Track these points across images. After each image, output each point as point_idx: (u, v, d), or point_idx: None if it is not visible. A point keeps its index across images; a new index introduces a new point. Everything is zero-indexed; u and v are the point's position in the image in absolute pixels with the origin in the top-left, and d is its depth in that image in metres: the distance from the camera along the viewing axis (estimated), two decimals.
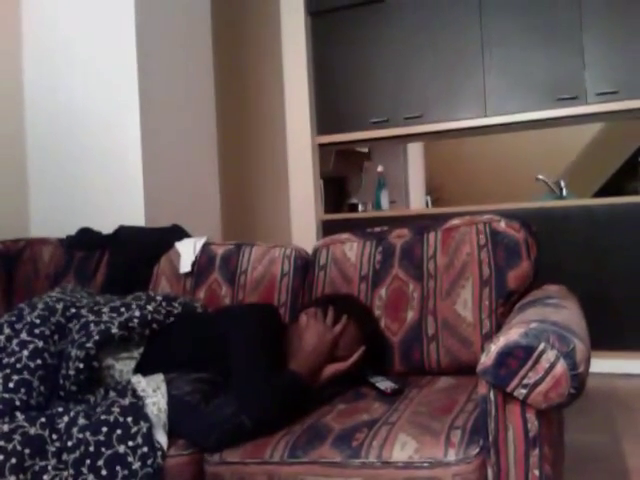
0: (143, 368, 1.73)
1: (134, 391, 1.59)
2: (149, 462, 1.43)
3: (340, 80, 4.35)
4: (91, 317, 1.75)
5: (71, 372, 1.64)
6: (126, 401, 1.54)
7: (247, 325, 1.72)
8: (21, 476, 1.41)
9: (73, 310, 1.80)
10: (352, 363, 1.75)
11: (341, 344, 1.75)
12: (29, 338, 1.66)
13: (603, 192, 4.57)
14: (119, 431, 1.46)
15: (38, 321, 1.71)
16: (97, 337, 1.68)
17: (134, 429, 1.47)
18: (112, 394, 1.60)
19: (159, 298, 1.89)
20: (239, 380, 1.60)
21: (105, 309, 1.78)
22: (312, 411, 1.60)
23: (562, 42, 3.81)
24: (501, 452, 1.32)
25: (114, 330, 1.71)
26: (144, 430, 1.47)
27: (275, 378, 1.59)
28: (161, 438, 1.50)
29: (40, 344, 1.67)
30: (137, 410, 1.52)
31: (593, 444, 2.46)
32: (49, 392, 1.64)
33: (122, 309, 1.78)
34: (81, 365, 1.64)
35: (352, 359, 1.75)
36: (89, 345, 1.67)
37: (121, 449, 1.44)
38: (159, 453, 1.46)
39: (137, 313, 1.78)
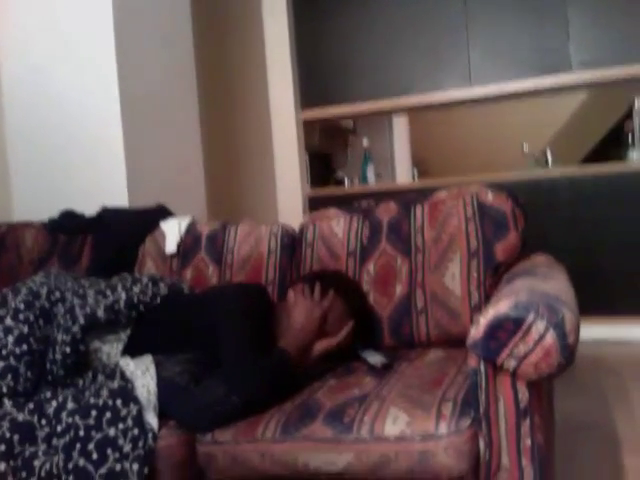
0: (131, 350, 1.71)
1: (123, 374, 1.58)
2: (140, 444, 1.43)
3: (323, 54, 4.30)
4: (76, 301, 1.73)
5: (58, 356, 1.63)
6: (115, 384, 1.53)
7: (235, 306, 1.70)
8: (11, 463, 1.40)
9: (57, 294, 1.77)
10: (342, 338, 1.74)
11: (329, 319, 1.75)
12: (14, 324, 1.64)
13: (589, 161, 4.58)
14: (109, 414, 1.45)
15: (22, 306, 1.69)
16: (83, 321, 1.67)
17: (124, 412, 1.46)
18: (100, 377, 1.59)
19: (145, 279, 1.87)
20: (228, 361, 1.59)
21: (90, 292, 1.76)
22: (303, 388, 1.60)
23: (546, 12, 3.78)
24: (492, 423, 1.33)
25: (100, 313, 1.70)
26: (134, 412, 1.47)
27: (264, 357, 1.58)
28: (152, 420, 1.49)
29: (25, 329, 1.65)
30: (126, 392, 1.51)
31: (583, 412, 2.48)
32: (36, 378, 1.62)
33: (107, 292, 1.76)
34: (68, 349, 1.63)
35: (342, 334, 1.75)
36: (75, 329, 1.65)
37: (111, 432, 1.43)
38: (150, 435, 1.46)
39: (123, 295, 1.76)
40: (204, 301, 1.84)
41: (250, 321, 1.66)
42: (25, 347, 1.62)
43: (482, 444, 1.33)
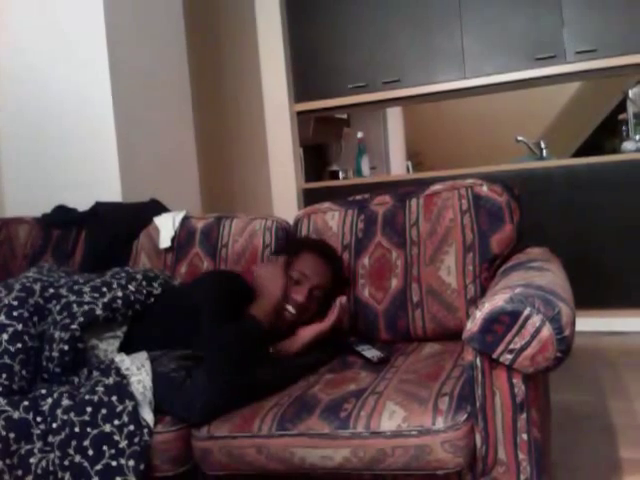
0: (127, 347, 1.70)
1: (118, 370, 1.57)
2: (136, 440, 1.42)
3: (316, 46, 4.27)
4: (72, 297, 1.71)
5: (55, 354, 1.61)
6: (110, 380, 1.52)
7: (203, 295, 1.72)
8: (7, 461, 1.39)
9: (51, 290, 1.76)
10: (333, 321, 1.76)
11: (296, 272, 1.78)
12: (8, 321, 1.63)
13: (583, 151, 4.57)
14: (104, 410, 1.45)
15: (16, 303, 1.67)
16: (81, 318, 1.65)
17: (119, 408, 1.46)
18: (96, 374, 1.57)
19: (139, 277, 1.85)
20: (204, 348, 1.59)
21: (86, 289, 1.74)
22: (300, 378, 1.61)
23: (540, 0, 3.76)
24: (489, 418, 1.33)
25: (98, 311, 1.68)
26: (129, 408, 1.46)
27: (232, 326, 1.59)
28: (147, 415, 1.49)
29: (19, 327, 1.63)
30: (122, 389, 1.50)
31: (580, 403, 2.48)
32: (31, 376, 1.61)
33: (104, 289, 1.75)
34: (66, 347, 1.61)
35: (332, 317, 1.76)
36: (74, 327, 1.63)
37: (107, 428, 1.42)
38: (146, 431, 1.45)
39: (119, 293, 1.75)
40: (187, 295, 1.84)
41: (218, 306, 1.66)
42: (20, 345, 1.61)
43: (479, 438, 1.33)
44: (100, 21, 2.79)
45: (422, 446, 1.30)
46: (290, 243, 2.01)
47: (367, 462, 1.35)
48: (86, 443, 1.41)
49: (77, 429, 1.42)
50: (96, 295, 1.72)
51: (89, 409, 1.45)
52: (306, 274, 1.79)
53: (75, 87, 2.85)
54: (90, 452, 1.40)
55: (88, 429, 1.42)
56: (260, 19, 4.28)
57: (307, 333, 1.74)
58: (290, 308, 1.76)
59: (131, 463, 1.40)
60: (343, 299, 1.82)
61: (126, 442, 1.42)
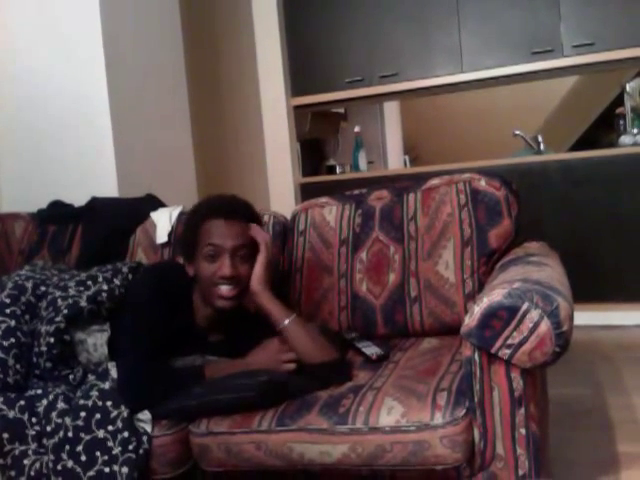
0: (115, 342, 1.68)
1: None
2: (130, 447, 1.40)
3: (313, 40, 4.25)
4: (58, 293, 1.69)
5: (43, 348, 1.60)
6: (106, 385, 1.51)
7: (129, 297, 1.70)
8: (1, 461, 1.38)
9: (43, 288, 1.74)
10: (265, 252, 1.65)
11: (206, 247, 1.61)
12: (0, 318, 1.62)
13: (580, 145, 4.58)
14: (98, 415, 1.43)
15: (8, 300, 1.67)
16: (66, 311, 1.63)
17: (114, 413, 1.44)
18: (91, 377, 1.56)
19: (125, 270, 1.82)
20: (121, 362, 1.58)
21: (71, 283, 1.72)
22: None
23: None
24: (487, 413, 1.33)
25: (83, 304, 1.65)
26: (124, 414, 1.44)
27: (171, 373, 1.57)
28: (144, 423, 1.47)
29: (12, 323, 1.63)
30: (117, 394, 1.48)
31: (577, 398, 2.49)
32: (25, 371, 1.60)
33: (89, 282, 1.72)
34: (52, 340, 1.59)
35: (264, 250, 1.65)
36: (58, 319, 1.62)
37: (100, 434, 1.41)
38: (145, 438, 1.43)
39: (105, 287, 1.72)
40: None
41: (142, 324, 1.59)
42: (13, 340, 1.60)
43: (477, 433, 1.33)
44: (97, 20, 2.78)
45: (421, 441, 1.30)
46: (186, 226, 1.73)
47: (366, 458, 1.34)
48: (79, 448, 1.40)
49: (70, 434, 1.41)
50: (81, 289, 1.70)
51: (83, 414, 1.43)
52: (216, 243, 1.58)
53: (72, 85, 2.84)
54: (83, 458, 1.39)
55: (81, 434, 1.41)
56: (257, 13, 4.26)
57: (255, 274, 1.61)
58: (225, 288, 1.58)
59: (124, 470, 1.38)
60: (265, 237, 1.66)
61: (119, 449, 1.40)
